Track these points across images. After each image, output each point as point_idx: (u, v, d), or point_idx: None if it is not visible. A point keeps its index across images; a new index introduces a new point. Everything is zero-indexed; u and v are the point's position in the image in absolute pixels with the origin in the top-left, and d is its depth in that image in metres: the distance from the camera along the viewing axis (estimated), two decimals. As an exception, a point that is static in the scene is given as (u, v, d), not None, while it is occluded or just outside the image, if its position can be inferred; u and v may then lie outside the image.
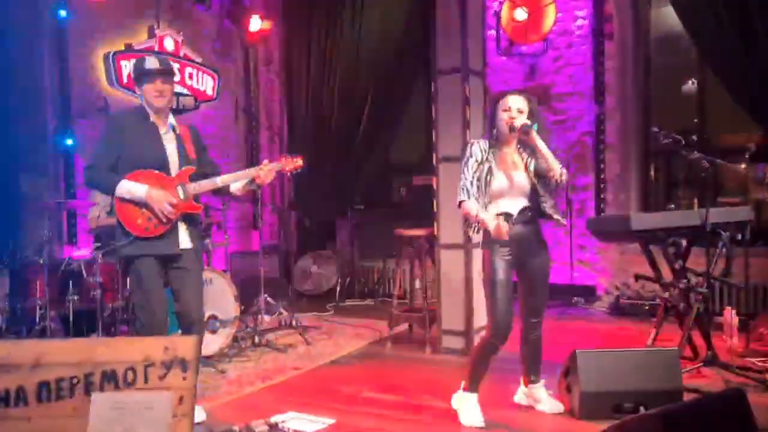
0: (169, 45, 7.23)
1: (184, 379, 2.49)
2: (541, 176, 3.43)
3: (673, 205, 6.61)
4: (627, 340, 5.13)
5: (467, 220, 3.49)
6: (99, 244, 5.09)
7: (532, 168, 3.45)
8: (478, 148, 3.45)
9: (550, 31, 6.94)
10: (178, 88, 7.27)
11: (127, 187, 3.46)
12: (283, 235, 8.19)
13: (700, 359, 4.17)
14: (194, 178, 3.64)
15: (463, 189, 3.41)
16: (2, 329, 5.09)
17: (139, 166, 3.50)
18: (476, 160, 3.42)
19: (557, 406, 3.65)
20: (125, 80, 6.70)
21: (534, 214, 3.48)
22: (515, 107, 3.41)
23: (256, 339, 5.26)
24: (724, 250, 4.16)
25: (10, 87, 6.28)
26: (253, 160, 8.20)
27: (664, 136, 4.29)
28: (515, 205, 3.44)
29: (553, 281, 6.91)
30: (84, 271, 5.04)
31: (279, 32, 8.58)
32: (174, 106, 7.06)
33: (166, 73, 3.57)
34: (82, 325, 5.04)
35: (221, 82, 7.91)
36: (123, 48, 6.79)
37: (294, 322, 5.75)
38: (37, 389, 2.53)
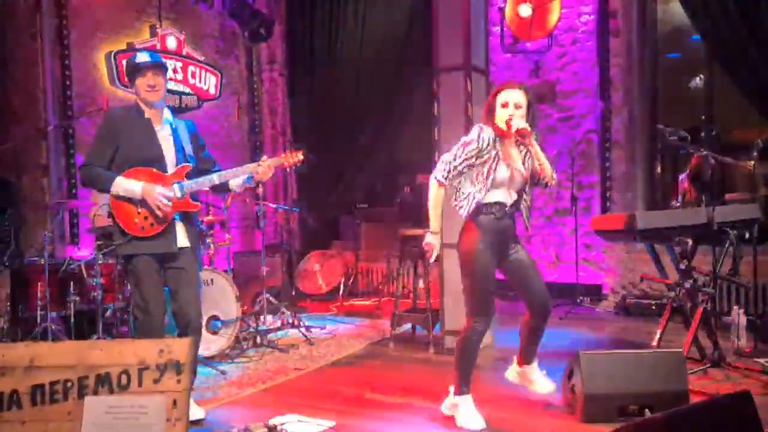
0: (171, 44, 7.21)
1: (179, 382, 2.46)
2: (532, 175, 3.43)
3: (678, 203, 6.53)
4: (633, 340, 5.07)
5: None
6: (100, 243, 5.07)
7: (528, 163, 3.43)
8: (487, 135, 3.36)
9: (554, 28, 6.86)
10: (181, 87, 7.28)
11: (123, 185, 3.44)
12: (286, 235, 8.14)
13: (706, 360, 4.11)
14: (191, 175, 3.60)
15: (446, 168, 3.36)
16: (3, 330, 5.07)
17: (134, 163, 3.48)
18: (478, 147, 3.33)
19: (549, 386, 3.65)
20: (127, 79, 6.67)
21: (515, 210, 3.50)
22: (513, 102, 3.36)
23: (258, 339, 5.22)
24: (731, 248, 4.09)
25: (11, 85, 6.28)
26: (256, 160, 8.16)
27: (670, 133, 4.23)
28: (509, 197, 3.43)
29: (558, 280, 6.98)
30: (84, 272, 5.02)
31: (282, 30, 8.54)
32: (175, 104, 7.11)
33: (156, 66, 3.54)
34: (82, 325, 5.02)
35: (224, 80, 7.89)
36: (125, 47, 6.77)
37: (297, 322, 5.72)
38: (31, 392, 2.50)
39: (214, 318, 4.86)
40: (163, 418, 2.39)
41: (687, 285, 4.22)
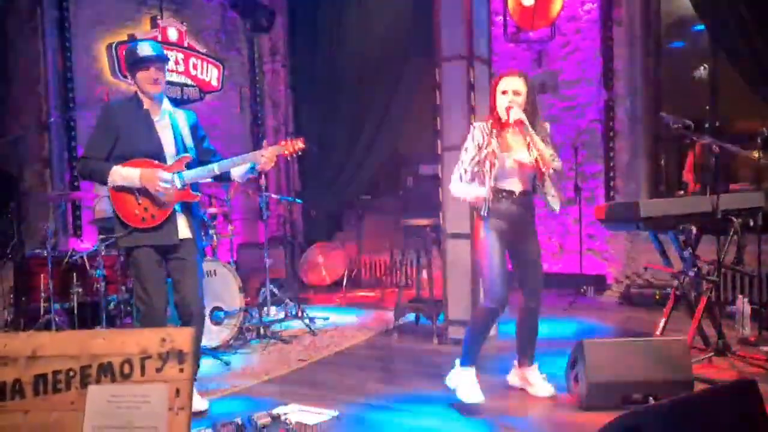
0: (172, 35, 7.20)
1: (181, 371, 2.45)
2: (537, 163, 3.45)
3: (682, 192, 6.50)
4: (637, 329, 5.06)
5: (474, 204, 3.52)
6: (103, 236, 5.07)
7: (534, 150, 3.42)
8: (480, 131, 3.47)
9: (557, 17, 6.82)
10: (183, 79, 7.26)
11: (121, 173, 3.42)
12: (289, 226, 8.14)
13: (710, 349, 4.10)
14: (192, 166, 3.58)
15: (457, 175, 3.49)
16: (7, 322, 5.09)
17: (133, 155, 3.46)
18: (477, 145, 3.44)
19: (548, 390, 3.67)
20: (126, 70, 6.67)
21: (531, 197, 3.55)
22: (512, 89, 3.42)
23: (262, 330, 5.23)
24: (735, 237, 4.07)
25: (13, 78, 6.28)
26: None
27: (673, 122, 4.20)
28: (518, 185, 3.49)
29: (562, 270, 6.97)
30: (87, 264, 5.02)
31: (284, 22, 8.51)
32: (177, 96, 7.10)
33: (160, 60, 3.52)
34: (86, 317, 5.03)
35: (226, 72, 7.87)
36: (126, 39, 6.75)
37: (300, 314, 5.72)
38: (33, 382, 2.49)
39: (218, 309, 4.86)
40: (166, 406, 2.38)
41: (691, 274, 4.20)
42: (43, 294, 4.94)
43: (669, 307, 4.37)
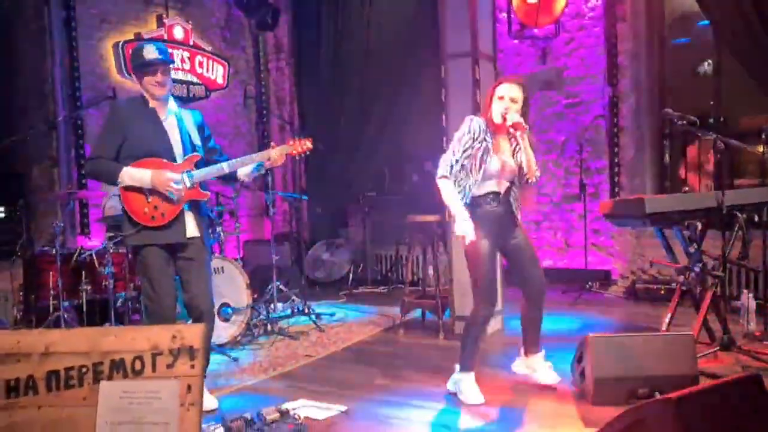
0: (178, 34, 7.22)
1: (192, 367, 2.48)
2: (520, 168, 3.59)
3: (688, 188, 6.51)
4: (642, 324, 5.08)
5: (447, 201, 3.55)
6: (111, 234, 5.11)
7: (518, 158, 3.58)
8: (478, 125, 3.53)
9: (561, 14, 6.83)
10: (188, 77, 7.29)
11: (131, 174, 3.44)
12: (295, 223, 8.17)
13: (716, 343, 4.11)
14: (200, 164, 3.61)
15: (448, 164, 3.49)
16: (17, 319, 5.13)
17: (141, 154, 3.48)
18: (472, 137, 3.50)
19: (553, 377, 3.75)
20: (131, 70, 6.70)
21: (510, 195, 3.64)
22: (509, 96, 3.51)
23: (269, 326, 5.26)
24: (740, 232, 4.08)
25: (20, 78, 6.31)
26: (264, 149, 8.17)
27: (678, 118, 4.21)
28: (501, 186, 3.59)
29: (568, 266, 6.98)
30: (96, 261, 5.06)
31: (288, 20, 8.53)
32: (183, 94, 7.13)
33: (165, 63, 3.54)
34: (95, 314, 5.08)
35: (231, 70, 7.90)
36: (132, 37, 6.78)
37: (307, 310, 5.75)
38: (46, 378, 2.53)
39: (225, 305, 4.90)
40: (177, 402, 2.41)
41: (696, 269, 4.22)
42: (52, 291, 4.97)
43: (674, 302, 4.39)
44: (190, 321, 3.67)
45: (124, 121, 3.53)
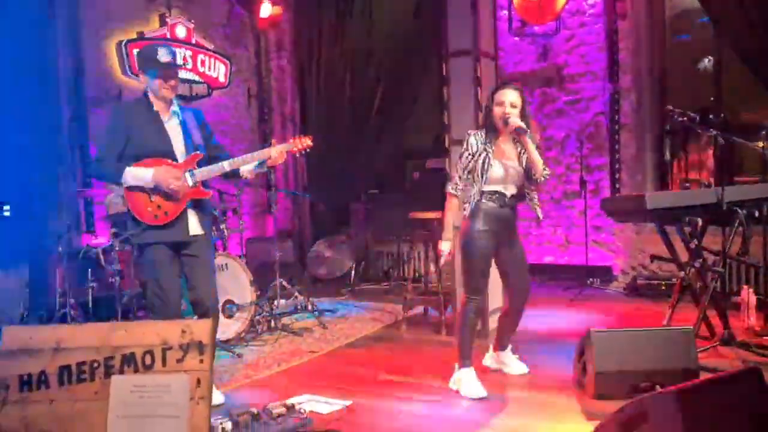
0: (180, 32, 7.25)
1: (201, 361, 2.53)
2: (527, 171, 3.67)
3: (689, 185, 6.55)
4: (644, 320, 5.12)
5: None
6: (116, 231, 5.15)
7: (523, 158, 3.66)
8: (475, 139, 3.67)
9: (562, 11, 6.86)
10: (191, 76, 7.32)
11: (134, 173, 3.48)
12: (297, 220, 8.22)
13: (716, 338, 4.16)
14: (202, 163, 3.65)
15: (454, 181, 3.71)
16: (24, 316, 5.17)
17: (144, 154, 3.51)
18: (471, 153, 3.65)
19: (522, 368, 3.95)
20: (138, 68, 6.74)
21: (516, 202, 3.75)
22: (508, 101, 3.60)
23: (273, 323, 5.31)
24: (740, 228, 4.12)
25: (25, 76, 6.34)
26: (266, 147, 8.20)
27: (679, 115, 4.25)
28: (507, 190, 3.68)
29: (568, 262, 7.02)
30: (102, 259, 5.10)
31: (290, 18, 8.56)
32: (186, 93, 7.16)
33: (177, 67, 3.61)
34: (101, 311, 5.12)
35: (233, 68, 7.93)
36: (135, 36, 6.82)
37: (309, 306, 5.79)
38: (58, 373, 2.58)
39: (229, 302, 4.94)
40: (187, 396, 2.46)
41: (697, 265, 4.26)
42: (58, 289, 5.02)
43: (675, 297, 4.43)
44: (195, 317, 3.71)
45: (126, 122, 3.56)
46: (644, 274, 6.41)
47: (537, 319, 5.16)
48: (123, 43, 6.68)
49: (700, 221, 4.20)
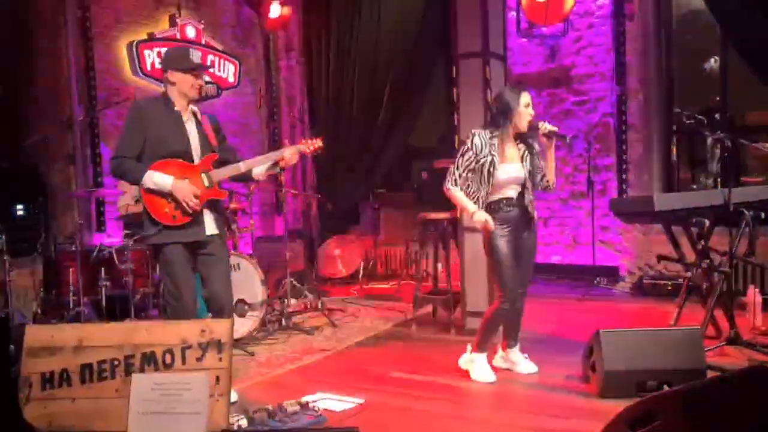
0: (190, 33, 7.32)
1: (220, 360, 2.60)
2: (532, 172, 3.78)
3: (696, 186, 6.59)
4: (650, 320, 5.16)
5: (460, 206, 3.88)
6: (129, 231, 5.22)
7: (527, 162, 3.77)
8: (480, 140, 3.73)
9: (570, 12, 6.89)
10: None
11: (153, 179, 3.53)
12: (305, 220, 8.28)
13: (723, 338, 4.20)
14: (216, 165, 3.71)
15: (452, 176, 3.77)
16: (37, 315, 5.24)
17: (162, 154, 3.57)
18: (475, 153, 3.72)
19: (532, 367, 3.98)
20: (149, 69, 6.82)
21: (524, 199, 3.83)
22: (531, 103, 3.74)
23: (284, 322, 5.37)
24: (747, 229, 4.16)
25: (37, 77, 6.42)
26: (274, 147, 8.28)
27: (687, 117, 4.29)
28: (513, 191, 3.78)
29: (575, 262, 7.06)
30: (115, 258, 5.16)
31: (298, 18, 8.61)
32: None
33: (206, 68, 3.67)
34: (114, 310, 5.18)
35: (242, 69, 8.00)
36: (145, 37, 6.89)
37: (320, 305, 5.85)
38: (80, 371, 2.65)
39: (241, 301, 5.00)
40: (207, 393, 2.53)
41: (704, 265, 4.30)
42: (72, 287, 5.09)
43: (682, 297, 4.48)
44: (209, 316, 3.78)
45: (145, 120, 3.61)
46: (651, 274, 6.44)
47: (544, 318, 5.21)
48: (134, 43, 6.75)
49: (707, 222, 4.25)
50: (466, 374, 3.97)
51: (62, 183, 6.37)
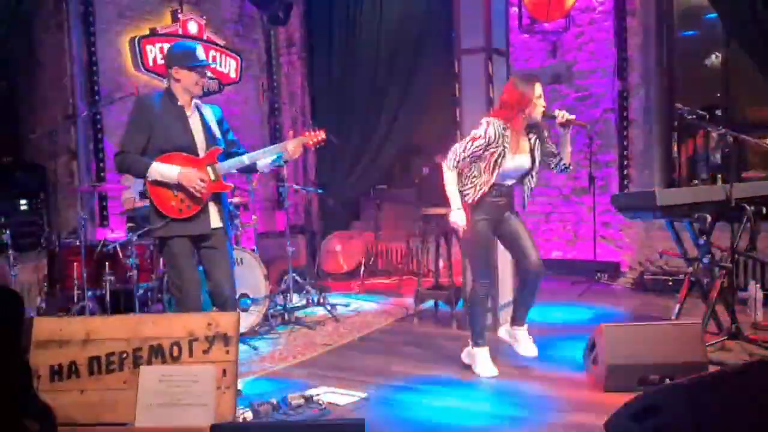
0: (192, 28, 7.33)
1: (227, 353, 2.62)
2: (544, 159, 3.85)
3: (697, 182, 6.61)
4: (652, 315, 5.18)
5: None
6: (132, 225, 5.24)
7: (537, 152, 3.82)
8: (494, 130, 3.71)
9: (572, 8, 6.91)
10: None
11: (159, 170, 3.55)
12: (307, 216, 8.29)
13: (724, 333, 4.22)
14: (221, 158, 3.73)
15: (455, 158, 3.77)
16: (41, 309, 5.26)
17: (167, 148, 3.59)
18: (486, 142, 3.71)
19: (532, 350, 3.98)
20: (151, 64, 6.83)
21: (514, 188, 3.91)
22: (543, 94, 3.77)
23: (286, 316, 5.39)
24: (748, 224, 4.18)
25: (40, 72, 6.43)
26: (276, 141, 8.28)
27: (688, 113, 4.31)
28: (510, 180, 3.86)
29: (577, 257, 7.07)
30: (119, 253, 5.18)
31: (300, 13, 8.62)
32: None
33: (209, 65, 3.70)
34: (118, 304, 5.21)
35: (244, 64, 8.01)
36: (147, 32, 6.90)
37: (321, 300, 5.87)
38: (88, 363, 2.68)
39: (244, 296, 5.02)
40: (214, 386, 2.55)
41: (705, 260, 4.32)
42: (76, 282, 5.11)
43: (683, 292, 4.49)
44: (214, 308, 3.80)
45: (149, 115, 3.63)
46: (651, 269, 6.47)
47: (546, 313, 5.24)
48: (136, 39, 6.77)
49: (709, 218, 4.27)
50: (468, 368, 4.00)
51: (65, 178, 6.39)
